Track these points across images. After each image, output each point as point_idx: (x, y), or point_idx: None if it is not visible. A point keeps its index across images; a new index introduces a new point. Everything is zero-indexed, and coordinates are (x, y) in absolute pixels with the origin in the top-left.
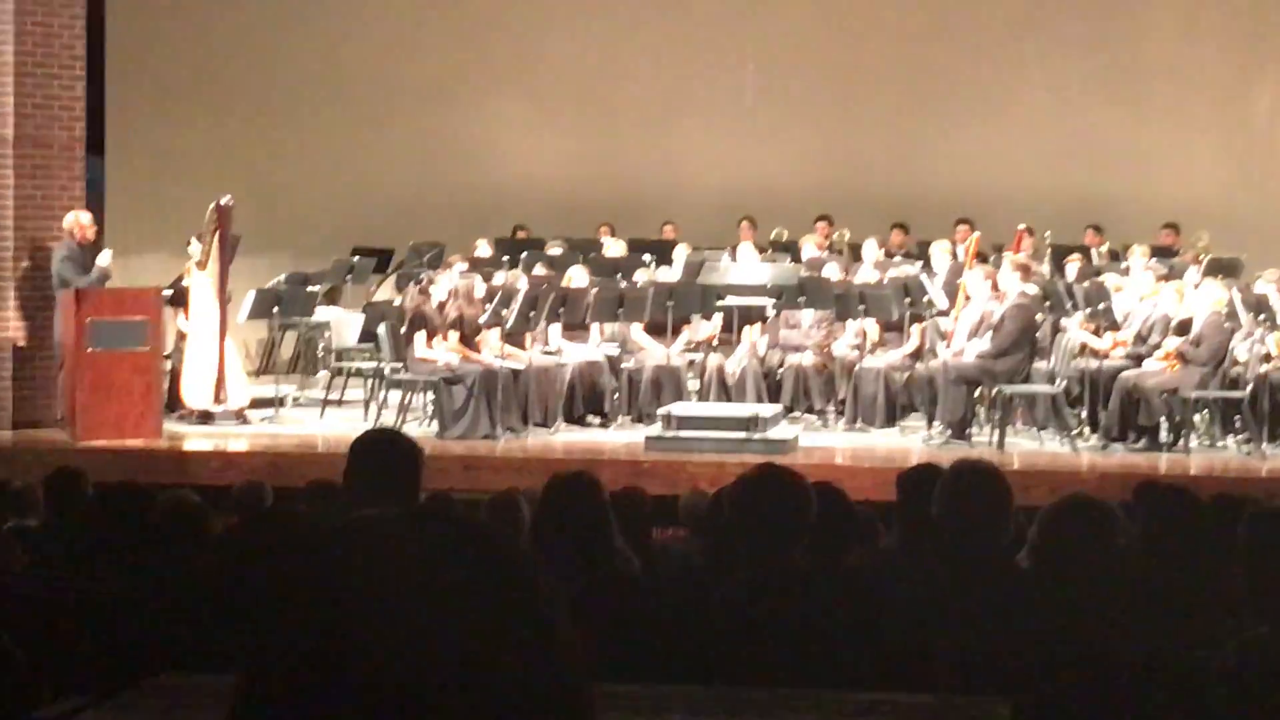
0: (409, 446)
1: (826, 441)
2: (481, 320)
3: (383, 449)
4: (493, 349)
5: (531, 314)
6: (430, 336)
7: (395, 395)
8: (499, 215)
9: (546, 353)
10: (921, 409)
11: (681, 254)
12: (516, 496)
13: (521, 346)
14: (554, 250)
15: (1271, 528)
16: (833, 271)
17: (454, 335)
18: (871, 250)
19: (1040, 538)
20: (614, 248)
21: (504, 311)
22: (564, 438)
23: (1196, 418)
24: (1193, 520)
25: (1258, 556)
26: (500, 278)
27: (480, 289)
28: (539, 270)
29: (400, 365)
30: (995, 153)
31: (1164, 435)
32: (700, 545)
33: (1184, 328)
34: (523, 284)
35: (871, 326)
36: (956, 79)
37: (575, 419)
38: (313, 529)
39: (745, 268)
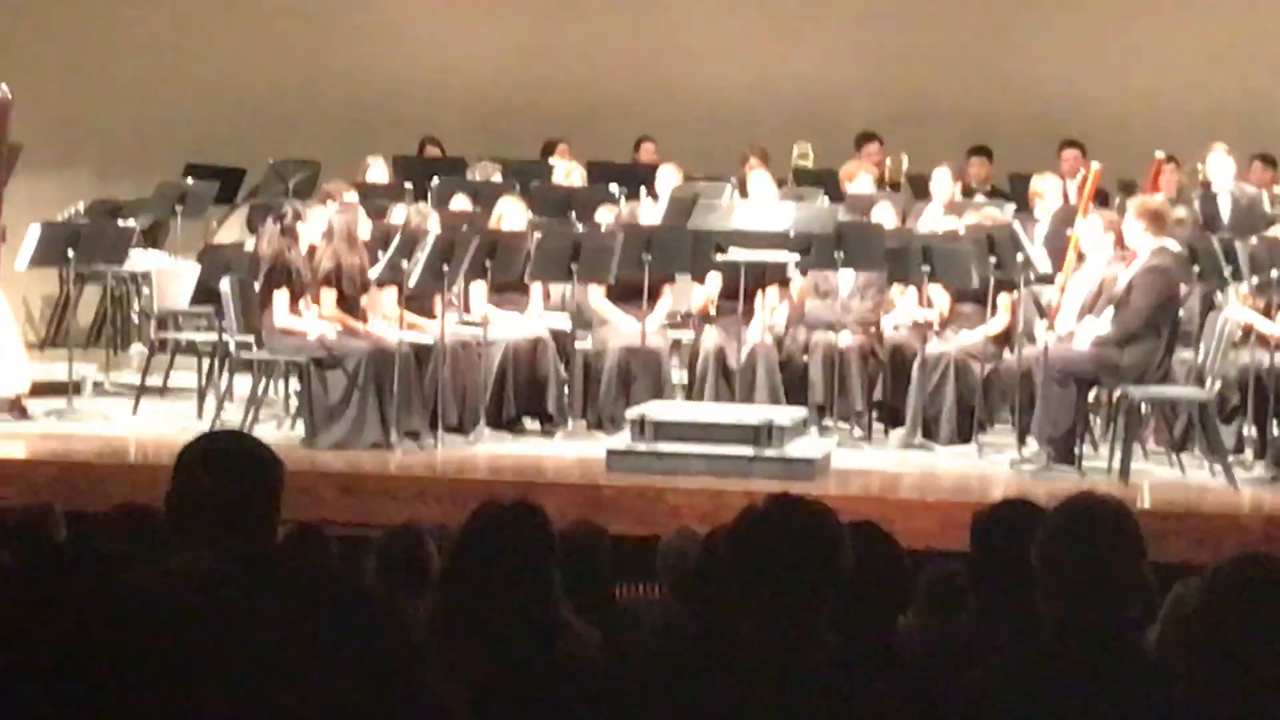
0: (262, 459)
1: (871, 463)
2: (372, 275)
3: (224, 462)
4: (387, 317)
5: (445, 267)
6: (296, 298)
7: (244, 382)
8: (399, 124)
9: (466, 324)
10: (1010, 418)
11: (666, 185)
12: (420, 534)
13: (430, 314)
14: (479, 175)
15: None
16: (885, 215)
17: (330, 296)
18: (943, 185)
19: (1192, 614)
20: (567, 173)
21: (404, 263)
22: (489, 449)
23: None
24: None
25: None
26: (400, 214)
27: (367, 228)
28: (457, 204)
29: (252, 339)
30: (1121, 50)
31: None
32: (686, 612)
33: None
34: (433, 224)
35: (940, 296)
36: None
37: (506, 423)
38: (120, 583)
39: (758, 207)
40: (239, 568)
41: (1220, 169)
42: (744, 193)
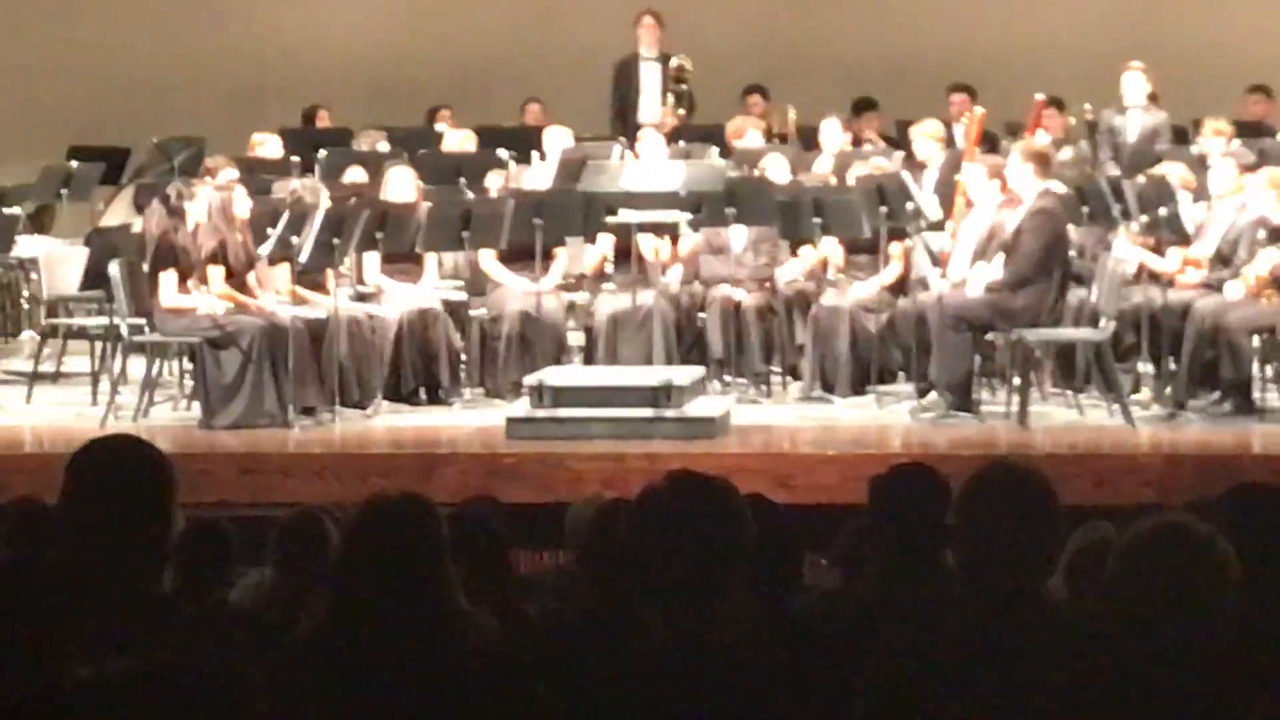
0: (152, 461)
1: (771, 418)
2: (262, 252)
3: (114, 468)
4: (279, 293)
5: (336, 241)
6: (185, 277)
7: (138, 365)
8: (285, 96)
9: (360, 297)
10: (908, 366)
11: (555, 147)
12: (320, 522)
13: (322, 289)
14: (367, 145)
15: None
16: (778, 168)
17: (218, 274)
18: (833, 136)
19: (1109, 583)
20: (456, 140)
21: (294, 239)
22: (388, 423)
23: None
24: None
25: None
26: (291, 188)
27: (245, 204)
28: (348, 176)
29: (143, 321)
30: None
31: (1258, 394)
32: (589, 581)
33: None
34: (323, 198)
35: (833, 248)
36: None
37: (404, 395)
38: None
39: (648, 166)
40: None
41: (1133, 87)
42: (633, 151)
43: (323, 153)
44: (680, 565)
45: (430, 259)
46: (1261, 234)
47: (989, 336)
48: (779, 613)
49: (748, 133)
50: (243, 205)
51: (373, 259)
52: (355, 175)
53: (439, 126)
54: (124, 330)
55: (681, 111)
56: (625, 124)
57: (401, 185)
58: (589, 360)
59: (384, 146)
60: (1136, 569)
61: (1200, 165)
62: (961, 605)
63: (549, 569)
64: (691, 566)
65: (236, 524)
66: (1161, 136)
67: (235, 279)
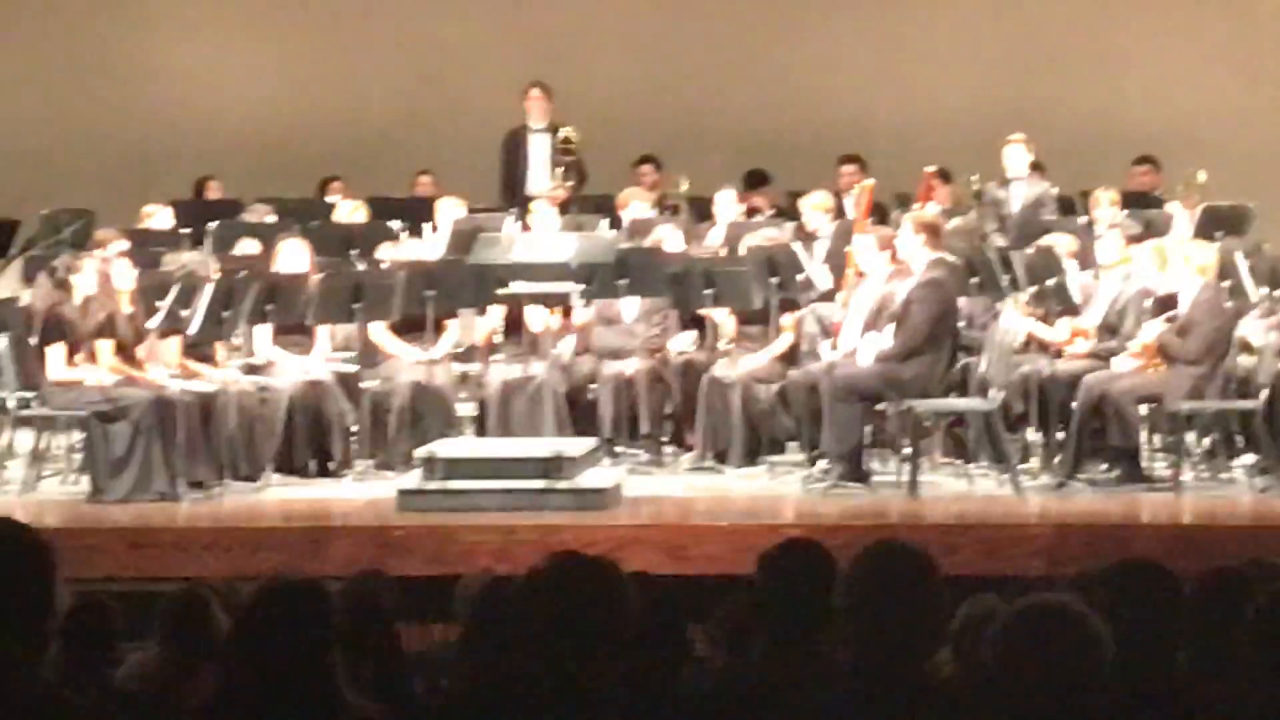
0: (33, 546)
1: (662, 488)
2: (151, 324)
3: None
4: (168, 367)
5: (225, 314)
6: (73, 350)
7: (26, 438)
8: (176, 167)
9: (250, 369)
10: (799, 436)
11: (446, 218)
12: (205, 599)
13: (212, 362)
14: (257, 217)
15: None
16: (671, 239)
17: (106, 347)
18: (727, 207)
19: (995, 656)
20: (347, 211)
21: (184, 311)
22: (278, 495)
23: (1190, 438)
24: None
25: None
26: (180, 261)
27: (127, 276)
28: (239, 248)
29: (31, 394)
30: (895, 64)
31: (1146, 463)
32: (478, 657)
33: (1167, 309)
34: (211, 270)
35: (725, 319)
36: None
37: (295, 467)
38: None
39: (540, 238)
40: None
41: (1015, 159)
42: (525, 223)
43: (213, 224)
44: (564, 646)
45: (321, 331)
46: (1148, 304)
47: (879, 407)
48: (665, 690)
49: (632, 203)
50: (124, 277)
51: (263, 331)
52: (246, 247)
53: (330, 198)
54: (11, 404)
55: (570, 183)
56: (515, 195)
57: (293, 257)
58: (481, 432)
59: (272, 218)
60: (1012, 647)
61: (1088, 235)
62: (848, 681)
63: (437, 644)
64: (574, 647)
65: (125, 600)
66: (1046, 207)
67: (124, 352)
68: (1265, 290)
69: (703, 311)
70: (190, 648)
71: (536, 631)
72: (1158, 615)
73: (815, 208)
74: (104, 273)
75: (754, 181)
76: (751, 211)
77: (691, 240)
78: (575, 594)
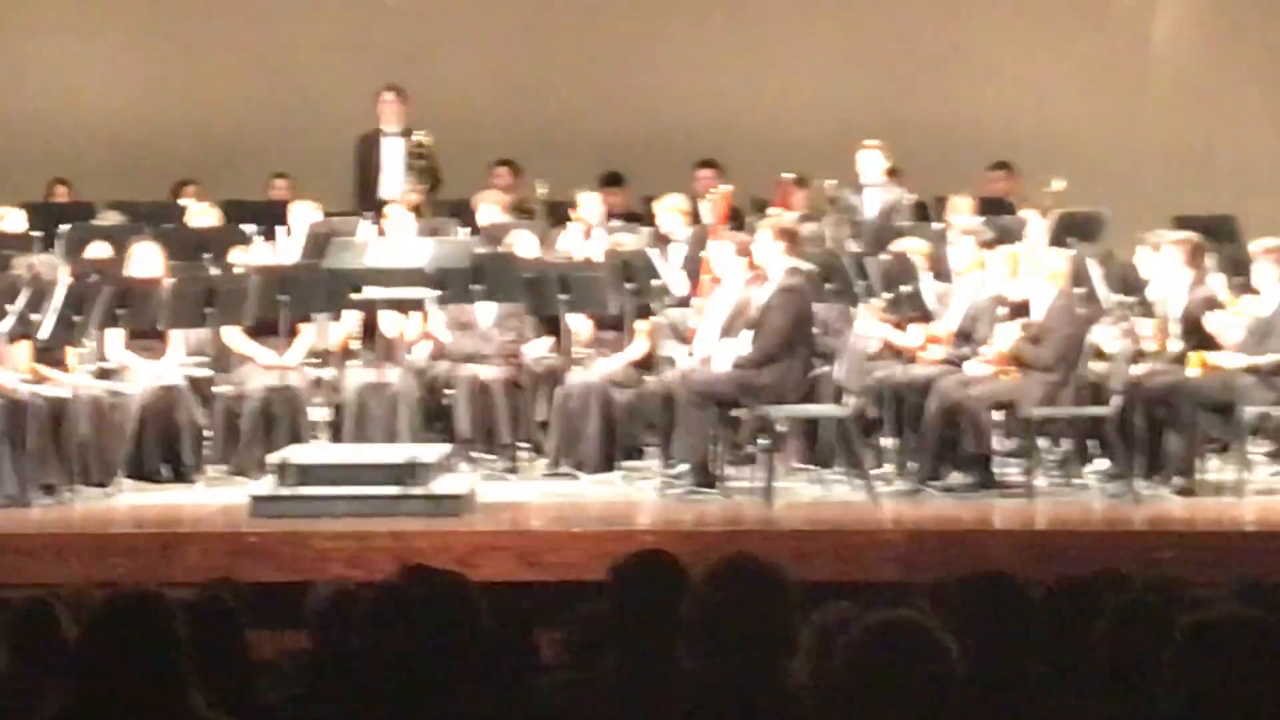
0: None
1: (518, 494)
2: (2, 329)
3: None
4: (18, 371)
5: (76, 318)
6: None
7: None
8: (28, 168)
9: (102, 373)
10: (655, 442)
11: (301, 222)
12: (51, 608)
13: (63, 366)
14: (109, 220)
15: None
16: (526, 244)
17: None
18: (591, 211)
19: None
20: (200, 215)
21: (34, 316)
22: (130, 501)
23: (1043, 444)
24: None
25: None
26: (27, 263)
27: None
28: (90, 251)
29: None
30: (750, 66)
31: (999, 469)
32: (328, 666)
33: (1021, 316)
34: (60, 272)
35: (581, 324)
36: None
37: (147, 473)
38: None
39: (395, 243)
40: None
41: (870, 165)
42: (380, 227)
43: (64, 227)
44: (413, 658)
45: (174, 335)
46: (1001, 310)
47: (735, 413)
48: (514, 699)
49: (481, 207)
50: None
51: (115, 336)
52: (98, 250)
53: (184, 201)
54: None
55: (424, 187)
56: (369, 199)
57: (145, 261)
58: (335, 437)
59: (114, 219)
60: (861, 661)
61: (943, 241)
62: (699, 692)
63: (288, 653)
64: (424, 659)
65: None
66: (900, 213)
67: None
68: (1118, 297)
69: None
70: (38, 658)
71: (386, 643)
72: (1007, 626)
73: (669, 210)
74: None
75: (609, 183)
76: (608, 214)
77: (547, 245)
78: (426, 607)
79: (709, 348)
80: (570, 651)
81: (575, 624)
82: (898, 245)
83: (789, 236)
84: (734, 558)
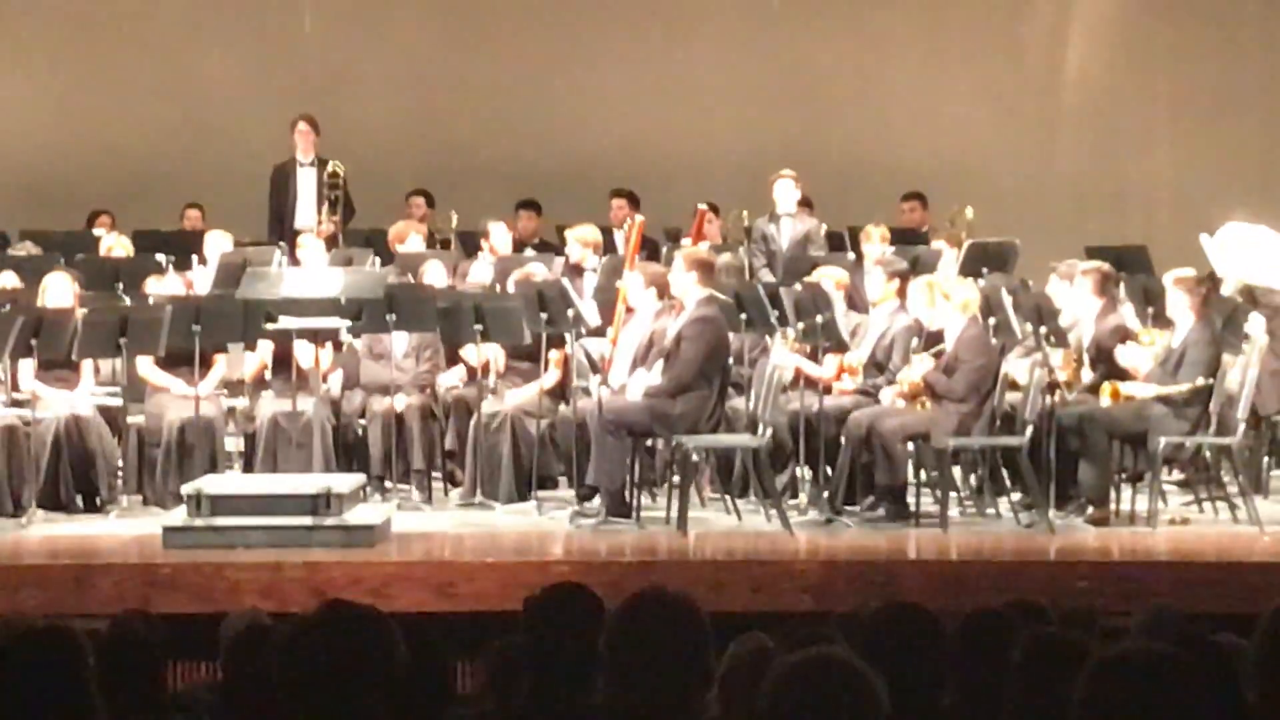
0: None
1: (431, 524)
2: None
3: None
4: None
5: None
6: None
7: None
8: None
9: (15, 403)
10: (569, 472)
11: (214, 251)
12: None
13: None
14: (22, 250)
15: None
16: (436, 275)
17: None
18: (500, 240)
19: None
20: (114, 245)
21: None
22: (43, 531)
23: (957, 473)
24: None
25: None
26: None
27: None
28: (2, 281)
29: None
30: (662, 96)
31: (913, 499)
32: (243, 698)
33: (934, 346)
34: None
35: (494, 353)
36: None
37: (61, 503)
38: None
39: (308, 273)
40: None
41: (784, 195)
42: (294, 257)
43: None
44: (327, 691)
45: (87, 365)
46: (915, 340)
47: (649, 443)
48: None
49: (410, 237)
50: None
51: (27, 365)
52: (8, 280)
53: (97, 231)
54: None
55: (337, 217)
56: (283, 229)
57: (58, 291)
58: (248, 467)
59: (27, 250)
60: (786, 701)
61: (857, 271)
62: None
63: (201, 685)
64: (338, 692)
65: None
66: (814, 242)
67: None
68: (1029, 326)
69: (468, 349)
70: None
71: (302, 677)
72: (921, 658)
73: (579, 240)
74: None
75: (524, 205)
76: (517, 244)
77: (460, 275)
78: (340, 641)
79: (622, 377)
80: (486, 682)
81: (490, 656)
82: (813, 275)
83: (703, 267)
84: (647, 590)
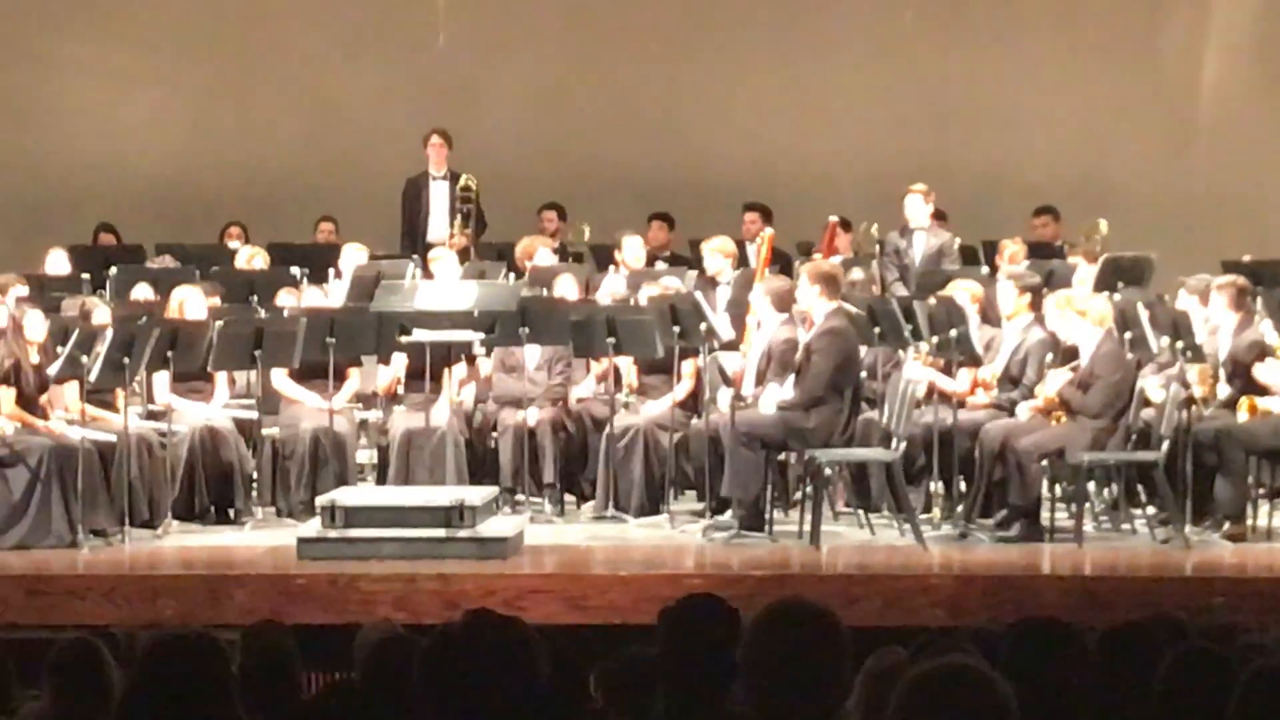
0: None
1: (563, 537)
2: (51, 371)
3: None
4: (69, 411)
5: (126, 361)
6: None
7: None
8: (76, 212)
9: (151, 415)
10: (701, 485)
11: (348, 265)
12: (96, 649)
13: (112, 408)
14: (158, 264)
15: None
16: (567, 288)
17: (8, 394)
18: (635, 253)
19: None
20: (249, 258)
21: (84, 358)
22: (178, 542)
23: (1092, 489)
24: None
25: None
26: (80, 303)
27: (39, 325)
28: (138, 294)
29: None
30: (797, 112)
31: (1048, 514)
32: (380, 706)
33: (1069, 360)
34: (102, 314)
35: (627, 367)
36: (738, 8)
37: (196, 514)
38: None
39: (442, 286)
40: None
41: (914, 209)
42: (427, 270)
43: (114, 270)
44: (471, 703)
45: (221, 378)
46: (1049, 355)
47: (781, 456)
48: None
49: (539, 251)
50: (36, 328)
51: (163, 378)
52: (144, 293)
53: (231, 244)
54: None
55: (469, 230)
56: (414, 242)
57: (192, 303)
58: (381, 480)
59: (162, 263)
60: (915, 710)
61: (989, 285)
62: None
63: (335, 692)
64: (482, 705)
65: (22, 648)
66: (948, 256)
67: (27, 400)
68: (1165, 341)
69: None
70: (82, 699)
71: (443, 687)
72: (1062, 672)
73: (716, 251)
74: (15, 320)
75: (656, 218)
76: (649, 257)
77: (591, 287)
78: (483, 651)
79: (754, 390)
80: (619, 696)
81: (624, 668)
82: (948, 289)
83: (827, 280)
84: (788, 600)
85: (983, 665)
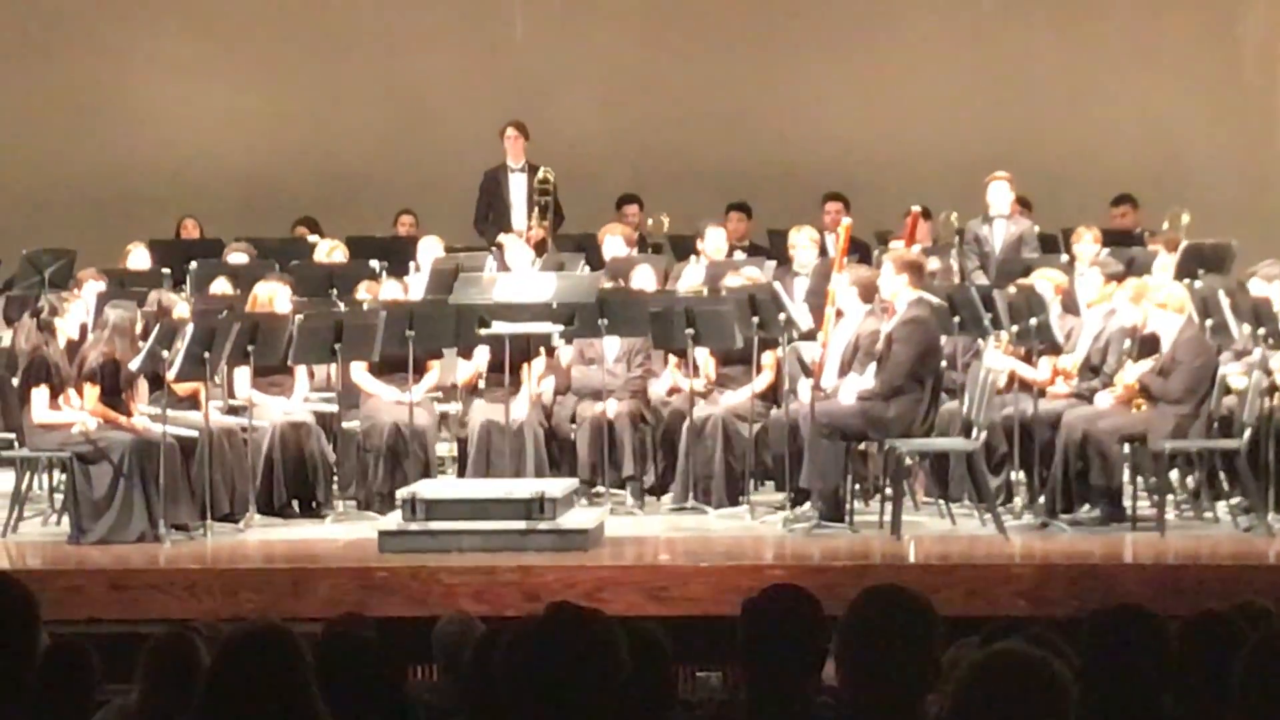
0: (12, 595)
1: (643, 529)
2: (133, 365)
3: None
4: (149, 408)
5: (206, 355)
6: (56, 393)
7: (7, 479)
8: (155, 207)
9: (231, 409)
10: (780, 476)
11: (427, 257)
12: (191, 641)
13: (195, 402)
14: (236, 257)
15: None
16: (646, 279)
17: (93, 392)
18: (717, 241)
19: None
20: (329, 251)
21: (164, 353)
22: (260, 536)
23: (1174, 477)
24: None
25: None
26: (158, 299)
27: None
28: (217, 288)
29: (12, 435)
30: (876, 99)
31: (1129, 502)
32: (460, 693)
33: (1150, 348)
34: (181, 309)
35: (705, 358)
36: None
37: (276, 508)
38: None
39: (520, 278)
40: None
41: (999, 197)
42: (504, 263)
43: (194, 264)
44: (559, 697)
45: (301, 371)
46: (1128, 343)
47: (861, 446)
48: None
49: (607, 240)
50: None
51: (243, 372)
52: (223, 287)
53: (310, 237)
54: None
55: (547, 222)
56: (494, 234)
57: (280, 298)
58: (461, 472)
59: (241, 257)
60: (971, 696)
61: (1069, 273)
62: None
63: (421, 685)
64: (569, 698)
65: (106, 641)
66: (1028, 244)
67: (113, 396)
68: (1247, 328)
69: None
70: (174, 691)
71: (527, 679)
72: (1144, 660)
73: (805, 242)
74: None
75: (735, 208)
76: (729, 248)
77: (670, 278)
78: (566, 643)
79: (834, 381)
80: (704, 685)
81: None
82: (1030, 277)
83: (913, 269)
84: (882, 586)
85: (1036, 651)
